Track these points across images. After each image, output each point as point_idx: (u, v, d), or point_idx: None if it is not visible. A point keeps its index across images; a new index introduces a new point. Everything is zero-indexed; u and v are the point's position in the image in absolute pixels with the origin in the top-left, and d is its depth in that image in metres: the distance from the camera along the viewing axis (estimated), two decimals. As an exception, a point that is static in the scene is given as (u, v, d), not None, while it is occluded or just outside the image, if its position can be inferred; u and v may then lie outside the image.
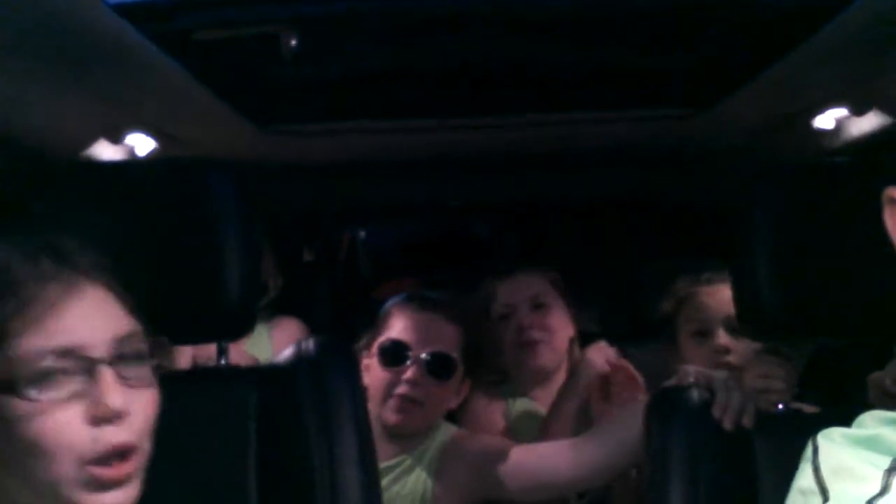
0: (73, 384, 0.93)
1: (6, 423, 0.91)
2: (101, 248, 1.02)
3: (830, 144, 2.00)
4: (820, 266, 1.26)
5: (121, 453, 0.95)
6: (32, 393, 0.91)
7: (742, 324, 1.40)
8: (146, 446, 0.99)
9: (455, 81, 2.02)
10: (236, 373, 1.48)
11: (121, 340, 0.97)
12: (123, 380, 0.95)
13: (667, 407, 1.38)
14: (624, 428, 1.62)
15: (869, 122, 1.86)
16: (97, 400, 0.93)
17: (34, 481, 0.94)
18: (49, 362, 0.92)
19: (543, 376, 2.12)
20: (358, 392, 1.40)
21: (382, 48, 1.84)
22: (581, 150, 2.42)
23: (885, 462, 0.68)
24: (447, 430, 1.88)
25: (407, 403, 1.81)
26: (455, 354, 1.86)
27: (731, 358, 1.86)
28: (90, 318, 0.96)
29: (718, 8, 1.57)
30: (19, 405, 0.91)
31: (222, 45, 1.67)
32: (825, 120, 1.90)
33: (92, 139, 1.89)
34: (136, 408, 0.96)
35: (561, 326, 2.13)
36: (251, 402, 1.35)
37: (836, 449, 0.72)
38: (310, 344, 1.43)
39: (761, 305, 1.30)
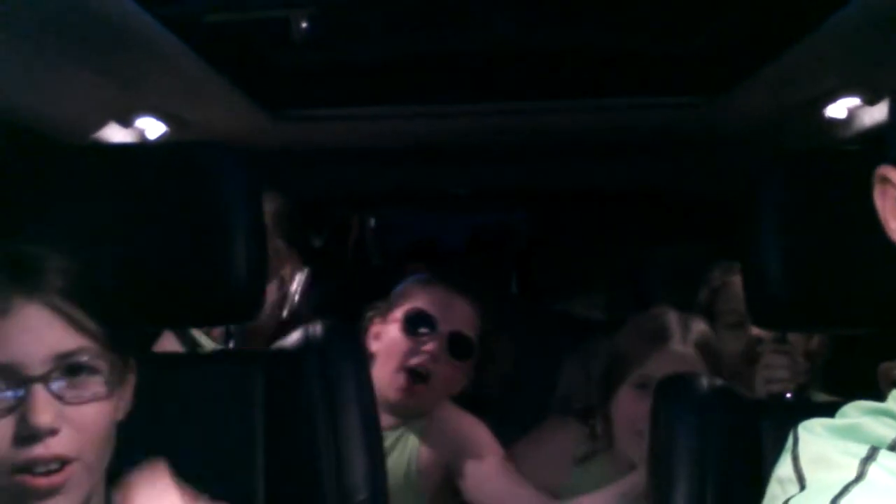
0: (6, 401, 0.94)
1: None
2: (67, 260, 1.01)
3: (842, 134, 1.99)
4: (829, 256, 1.25)
5: (50, 464, 0.95)
6: None
7: (751, 313, 1.39)
8: (89, 458, 0.98)
9: (466, 67, 2.02)
10: (244, 356, 1.48)
11: (61, 357, 0.97)
12: (58, 398, 0.96)
13: (674, 392, 1.38)
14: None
15: (881, 112, 1.85)
16: (24, 417, 0.94)
17: None
18: None
19: None
20: (364, 376, 1.41)
21: (393, 33, 1.84)
22: (590, 137, 2.42)
23: (863, 450, 0.68)
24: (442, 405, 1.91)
25: (415, 382, 1.81)
26: (473, 337, 1.88)
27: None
28: (27, 335, 0.96)
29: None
30: None
31: (233, 29, 1.68)
32: (837, 109, 1.89)
33: (103, 123, 1.89)
34: (73, 423, 0.96)
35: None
36: (258, 384, 1.36)
37: (814, 439, 0.73)
38: (317, 328, 1.44)
39: (770, 295, 1.29)
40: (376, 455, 1.36)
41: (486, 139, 2.46)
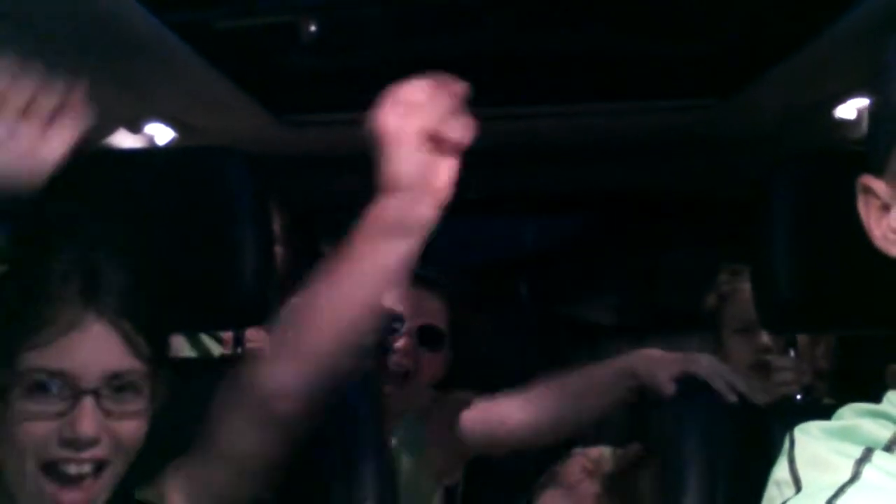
0: (58, 405, 1.02)
1: (4, 420, 1.02)
2: (129, 279, 1.08)
3: (852, 135, 1.98)
4: (839, 257, 1.24)
5: (84, 465, 1.04)
6: (21, 403, 1.01)
7: (761, 316, 1.39)
8: (118, 466, 1.06)
9: (474, 71, 2.01)
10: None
11: (112, 376, 1.04)
12: (105, 411, 1.03)
13: (683, 394, 1.37)
14: (580, 381, 1.69)
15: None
16: (72, 425, 1.02)
17: (13, 476, 1.04)
18: (42, 379, 1.01)
19: None
20: (371, 380, 1.41)
21: (402, 37, 1.84)
22: (599, 140, 2.41)
23: (858, 451, 0.69)
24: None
25: (397, 377, 1.85)
26: (443, 327, 1.92)
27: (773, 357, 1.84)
28: (89, 350, 1.03)
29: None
30: (9, 410, 1.01)
31: (241, 35, 1.68)
32: (847, 110, 1.88)
33: (112, 129, 1.90)
34: (112, 434, 1.04)
35: None
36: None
37: (810, 441, 0.74)
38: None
39: (780, 298, 1.29)
40: (384, 461, 1.36)
41: (495, 143, 2.44)
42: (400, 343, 1.87)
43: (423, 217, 1.08)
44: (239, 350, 1.46)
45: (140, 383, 1.07)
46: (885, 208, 0.78)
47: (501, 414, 1.77)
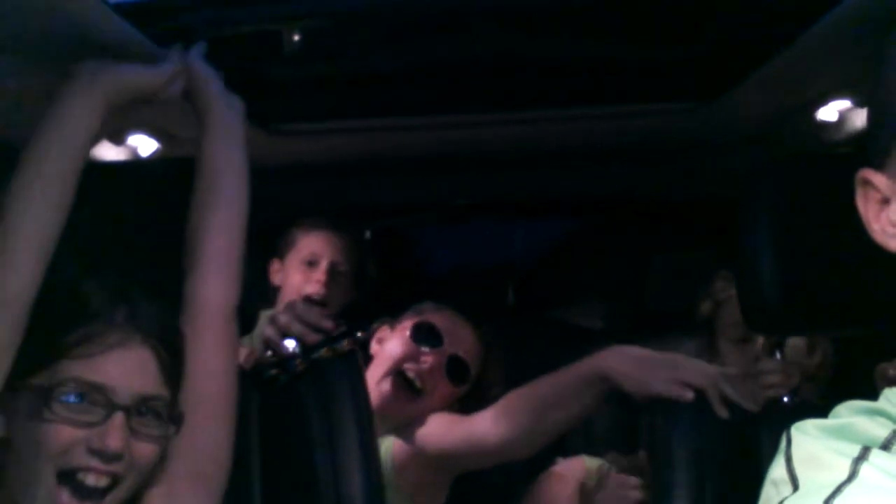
0: (92, 415, 1.08)
1: (31, 421, 1.07)
2: (162, 307, 1.18)
3: (834, 136, 1.99)
4: (824, 260, 1.25)
5: (101, 478, 1.09)
6: (58, 407, 1.07)
7: (747, 319, 1.39)
8: (130, 483, 1.12)
9: (459, 78, 2.02)
10: (238, 373, 1.47)
11: (144, 398, 1.12)
12: (132, 429, 1.10)
13: (674, 400, 1.37)
14: (546, 389, 1.68)
15: (872, 114, 1.84)
16: (102, 436, 1.07)
17: (22, 484, 1.07)
18: (81, 389, 1.08)
19: None
20: (361, 392, 1.41)
21: (385, 45, 1.84)
22: (584, 145, 2.41)
23: (855, 450, 0.68)
24: None
25: (404, 390, 1.83)
26: (472, 366, 1.91)
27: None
28: (128, 369, 1.11)
29: (720, -1, 1.57)
30: (45, 412, 1.07)
31: (224, 44, 1.67)
32: (828, 112, 1.89)
33: (94, 141, 1.88)
34: (134, 453, 1.10)
35: None
36: (253, 401, 1.35)
37: (807, 439, 0.73)
38: (313, 341, 1.43)
39: (765, 300, 1.29)
40: (373, 468, 1.36)
41: (482, 150, 2.45)
42: (429, 358, 1.84)
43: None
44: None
45: (162, 410, 1.13)
46: (885, 202, 0.77)
47: (480, 430, 1.75)
